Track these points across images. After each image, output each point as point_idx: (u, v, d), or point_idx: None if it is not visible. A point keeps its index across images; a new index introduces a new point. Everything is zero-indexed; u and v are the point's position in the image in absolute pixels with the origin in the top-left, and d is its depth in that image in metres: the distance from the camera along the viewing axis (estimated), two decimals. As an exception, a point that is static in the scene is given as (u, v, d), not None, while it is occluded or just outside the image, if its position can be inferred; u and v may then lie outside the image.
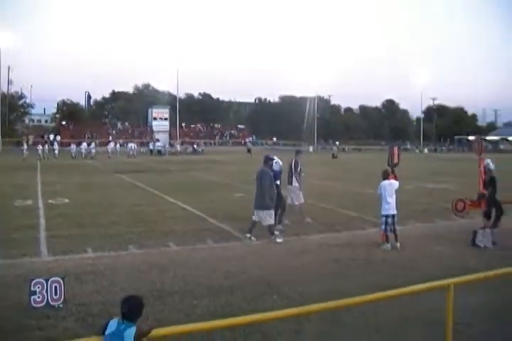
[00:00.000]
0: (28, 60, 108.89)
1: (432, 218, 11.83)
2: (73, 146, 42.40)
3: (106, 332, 2.91)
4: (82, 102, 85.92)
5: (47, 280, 5.59)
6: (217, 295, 6.12)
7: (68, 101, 78.36)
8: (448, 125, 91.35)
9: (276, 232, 9.30)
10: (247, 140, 73.80)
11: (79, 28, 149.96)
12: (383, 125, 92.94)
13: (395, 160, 10.48)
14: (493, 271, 4.30)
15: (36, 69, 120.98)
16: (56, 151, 41.09)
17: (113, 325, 2.93)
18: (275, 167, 10.20)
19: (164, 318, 5.16)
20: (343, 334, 5.06)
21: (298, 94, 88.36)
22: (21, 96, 72.73)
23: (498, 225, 9.63)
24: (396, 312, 5.23)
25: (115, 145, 46.32)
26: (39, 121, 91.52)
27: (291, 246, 8.93)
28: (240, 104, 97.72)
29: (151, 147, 51.52)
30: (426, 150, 70.42)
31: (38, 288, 5.52)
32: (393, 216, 8.81)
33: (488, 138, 72.50)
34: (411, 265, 7.63)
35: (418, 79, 71.75)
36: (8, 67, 65.05)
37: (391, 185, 8.85)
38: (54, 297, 5.58)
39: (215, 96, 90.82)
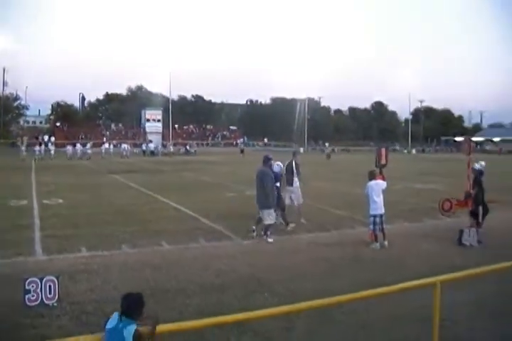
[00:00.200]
0: (23, 61, 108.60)
1: (420, 217, 12.00)
2: (69, 147, 42.19)
3: (106, 327, 2.95)
4: (77, 104, 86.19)
5: (41, 279, 5.63)
6: (209, 293, 6.21)
7: (63, 103, 78.25)
8: (435, 126, 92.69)
9: (268, 232, 9.38)
10: (238, 141, 74.07)
11: (73, 30, 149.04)
12: (372, 126, 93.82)
13: (383, 161, 10.64)
14: (479, 269, 4.41)
15: (31, 71, 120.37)
16: (52, 152, 41.01)
17: (114, 320, 2.96)
18: (276, 169, 10.28)
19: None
20: (335, 332, 5.15)
21: (289, 95, 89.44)
22: (16, 98, 72.48)
23: (483, 224, 9.84)
24: (386, 309, 5.35)
25: (109, 146, 46.20)
26: (34, 122, 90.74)
27: (282, 245, 9.03)
28: (231, 105, 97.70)
29: (144, 148, 51.41)
30: (414, 151, 70.84)
31: (33, 286, 5.57)
32: (381, 215, 8.96)
33: (473, 138, 73.05)
34: (399, 263, 7.78)
35: (406, 82, 72.71)
36: (4, 69, 64.92)
37: (377, 184, 9.01)
38: (48, 296, 5.64)
39: (207, 98, 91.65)
